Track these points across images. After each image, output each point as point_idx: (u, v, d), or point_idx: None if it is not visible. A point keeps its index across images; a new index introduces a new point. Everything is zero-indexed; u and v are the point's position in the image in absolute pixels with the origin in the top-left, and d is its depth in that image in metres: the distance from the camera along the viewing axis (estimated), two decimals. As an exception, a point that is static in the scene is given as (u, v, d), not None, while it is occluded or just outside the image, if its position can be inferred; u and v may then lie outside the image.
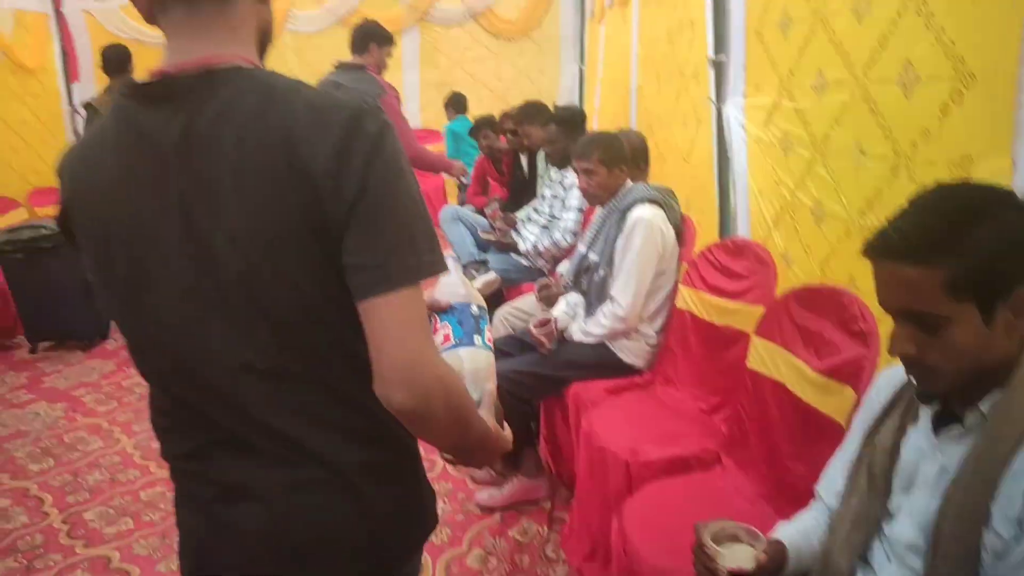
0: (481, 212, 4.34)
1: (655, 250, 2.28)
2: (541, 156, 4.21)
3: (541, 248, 3.42)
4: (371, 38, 3.46)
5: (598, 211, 2.56)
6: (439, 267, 0.86)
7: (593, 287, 2.36)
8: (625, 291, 2.26)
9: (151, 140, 0.84)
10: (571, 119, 3.52)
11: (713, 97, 2.95)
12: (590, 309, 2.38)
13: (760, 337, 1.91)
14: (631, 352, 2.37)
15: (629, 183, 2.48)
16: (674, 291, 2.37)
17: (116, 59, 4.12)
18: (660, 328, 2.39)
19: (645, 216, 2.28)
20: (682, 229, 2.45)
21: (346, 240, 0.81)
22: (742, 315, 2.04)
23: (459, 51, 7.27)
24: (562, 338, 2.37)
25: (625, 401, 2.27)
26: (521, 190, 4.70)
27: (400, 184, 0.83)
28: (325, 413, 0.90)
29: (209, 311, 0.86)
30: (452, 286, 1.08)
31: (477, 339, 1.04)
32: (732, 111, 2.78)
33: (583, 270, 2.43)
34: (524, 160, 4.53)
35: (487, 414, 0.98)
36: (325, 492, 0.91)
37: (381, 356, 0.81)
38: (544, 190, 3.66)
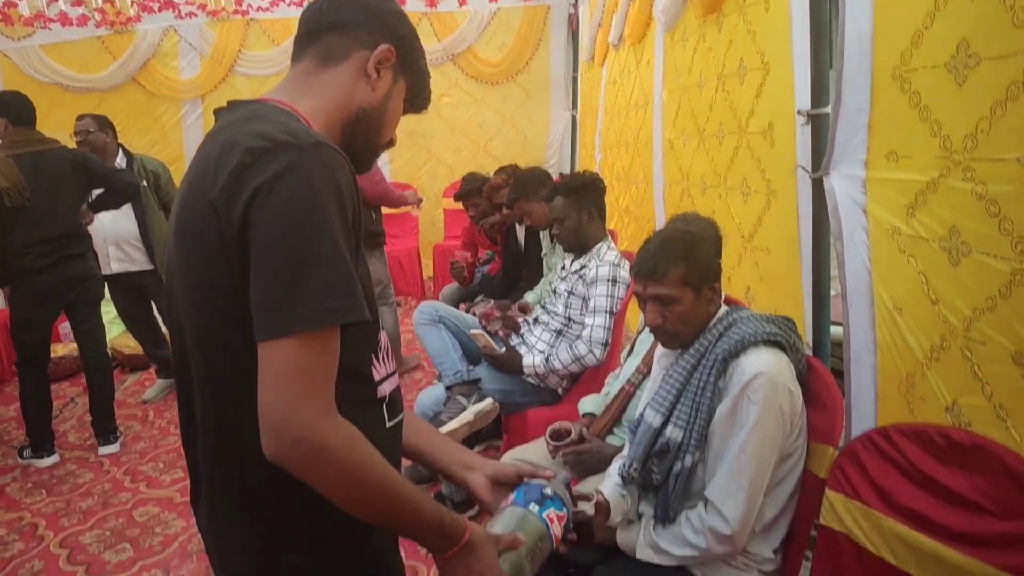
0: (468, 303, 3.45)
1: (780, 426, 1.37)
2: (545, 232, 3.33)
3: (557, 364, 2.49)
4: None
5: (666, 352, 1.65)
6: (331, 319, 0.81)
7: (675, 482, 1.43)
8: (733, 495, 1.35)
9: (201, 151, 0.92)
10: (585, 187, 2.65)
11: (805, 164, 2.10)
12: (666, 512, 1.45)
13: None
14: (734, 588, 1.45)
15: (724, 308, 1.59)
16: (803, 485, 1.46)
17: (22, 108, 3.23)
18: (780, 546, 1.47)
19: (765, 371, 1.39)
20: (807, 376, 1.55)
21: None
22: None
23: (435, 95, 6.27)
24: (586, 533, 1.36)
25: None
26: (513, 268, 3.82)
27: (290, 227, 0.80)
28: None
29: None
30: (556, 478, 1.17)
31: (532, 507, 1.08)
32: (843, 185, 1.94)
33: (655, 453, 1.49)
34: (520, 232, 3.65)
35: (500, 544, 0.99)
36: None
37: (259, 402, 0.80)
38: (556, 282, 2.74)
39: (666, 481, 1.46)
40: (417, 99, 1.13)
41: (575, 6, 6.06)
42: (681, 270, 1.50)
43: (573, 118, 6.36)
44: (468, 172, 4.34)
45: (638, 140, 3.96)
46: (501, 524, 1.05)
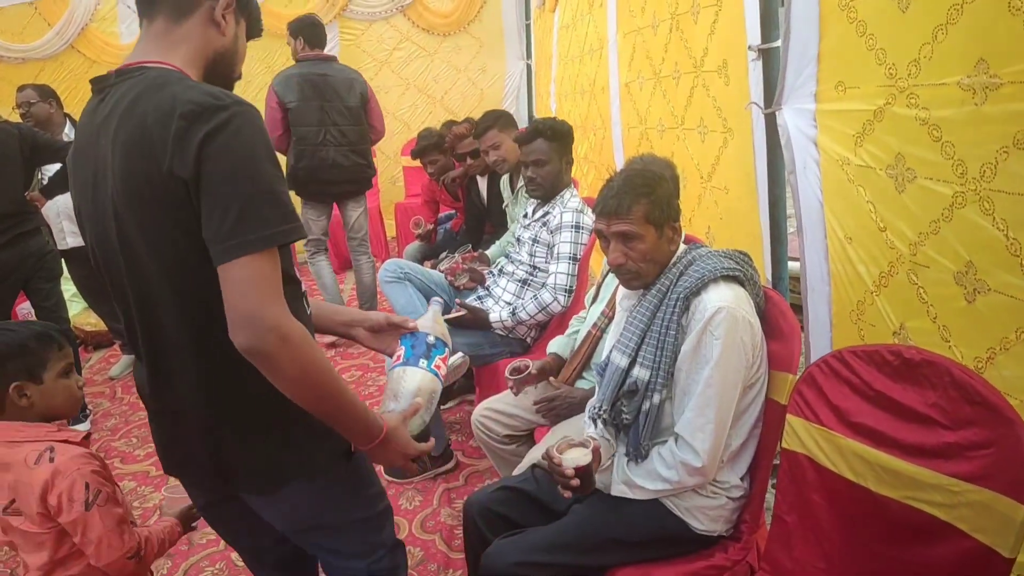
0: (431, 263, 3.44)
1: (742, 358, 1.41)
2: (504, 181, 3.30)
3: (524, 315, 2.52)
4: None
5: (628, 293, 1.67)
6: (279, 238, 1.01)
7: (645, 420, 1.46)
8: (702, 428, 1.39)
9: (91, 117, 1.12)
10: (567, 133, 2.62)
11: (758, 100, 2.12)
12: (637, 450, 1.49)
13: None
14: (705, 514, 1.50)
15: (682, 247, 1.61)
16: (765, 412, 1.51)
17: None
18: (746, 472, 1.53)
19: (725, 306, 1.42)
20: (765, 308, 1.58)
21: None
22: (956, 496, 1.14)
23: (385, 50, 6.28)
24: (586, 477, 1.45)
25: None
26: (477, 221, 3.81)
27: (232, 171, 0.98)
28: None
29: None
30: (424, 318, 1.37)
31: (422, 363, 1.29)
32: (795, 119, 1.96)
33: (623, 393, 1.52)
34: (483, 184, 3.62)
35: (407, 421, 1.23)
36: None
37: (228, 309, 0.99)
38: (519, 230, 2.74)
39: (636, 420, 1.50)
40: (253, 30, 1.27)
41: (525, -49, 5.94)
42: (644, 207, 1.51)
43: (528, 67, 6.28)
44: (423, 128, 4.27)
45: (594, 86, 3.94)
46: (398, 389, 1.26)
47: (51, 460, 1.37)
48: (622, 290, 1.70)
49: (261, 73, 5.90)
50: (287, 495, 1.21)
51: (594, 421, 1.63)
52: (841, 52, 1.73)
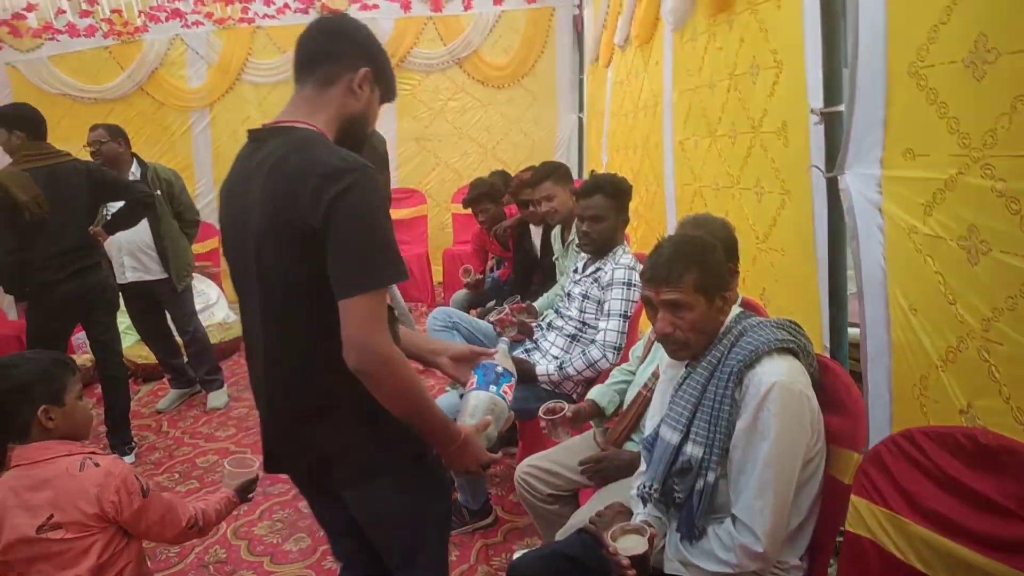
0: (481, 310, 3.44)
1: (801, 435, 1.34)
2: (555, 233, 3.30)
3: (571, 371, 2.48)
4: None
5: (673, 362, 1.61)
6: (391, 280, 1.25)
7: (699, 499, 1.39)
8: (762, 511, 1.32)
9: (245, 162, 1.38)
10: (627, 192, 2.62)
11: (819, 163, 2.08)
12: (691, 529, 1.42)
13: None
14: (763, 597, 1.42)
15: (732, 314, 1.56)
16: (826, 490, 1.43)
17: (38, 122, 3.25)
18: (805, 552, 1.45)
19: (780, 380, 1.36)
20: (826, 380, 1.52)
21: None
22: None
23: (440, 100, 6.43)
24: (642, 565, 1.39)
25: None
26: (525, 272, 3.81)
27: (357, 225, 1.22)
28: None
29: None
30: (498, 354, 1.62)
31: (492, 388, 1.51)
32: (858, 184, 1.92)
33: (675, 471, 1.46)
34: (536, 234, 3.63)
35: (479, 432, 1.45)
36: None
37: (344, 335, 1.22)
38: (569, 285, 2.72)
39: (689, 498, 1.44)
40: (387, 95, 1.49)
41: (580, 8, 6.05)
42: (695, 276, 1.47)
43: (580, 120, 6.35)
44: (476, 178, 4.31)
45: (647, 142, 3.94)
46: (472, 408, 1.49)
47: (96, 464, 1.49)
48: (666, 357, 1.65)
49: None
50: (372, 492, 1.43)
51: (643, 500, 1.57)
52: (910, 119, 1.69)
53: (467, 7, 5.94)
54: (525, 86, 6.40)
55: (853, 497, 1.37)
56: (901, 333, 1.84)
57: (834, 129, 2.02)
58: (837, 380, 1.51)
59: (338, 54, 1.37)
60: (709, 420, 1.42)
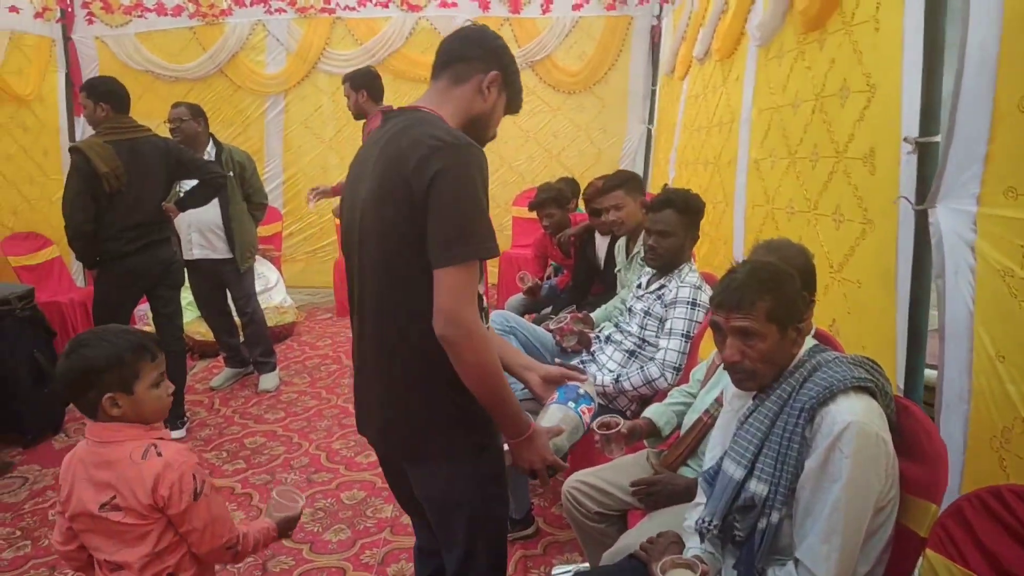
0: (537, 312, 3.40)
1: (875, 480, 1.27)
2: (620, 244, 3.24)
3: (627, 386, 2.43)
4: None
5: (739, 393, 1.55)
6: (483, 254, 1.32)
7: (760, 539, 1.33)
8: (828, 557, 1.23)
9: (375, 136, 1.48)
10: (700, 210, 2.57)
11: (909, 194, 1.98)
12: (749, 569, 1.35)
13: None
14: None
15: (806, 347, 1.49)
16: (898, 540, 1.35)
17: (124, 96, 3.36)
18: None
19: (856, 420, 1.28)
20: (904, 424, 1.44)
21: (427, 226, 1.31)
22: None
23: (512, 102, 6.40)
24: None
25: None
26: (584, 281, 3.76)
27: (456, 197, 1.29)
28: None
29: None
30: (586, 380, 1.68)
31: (571, 404, 1.56)
32: (950, 220, 1.82)
33: (737, 508, 1.40)
34: (601, 244, 3.58)
35: (550, 434, 1.48)
36: None
37: (436, 302, 1.29)
38: (631, 300, 2.66)
39: (750, 537, 1.37)
40: (512, 105, 1.61)
41: (659, 18, 5.97)
42: (768, 304, 1.40)
43: (649, 132, 6.26)
44: (543, 182, 4.28)
45: (719, 159, 3.86)
46: (548, 417, 1.53)
47: (159, 454, 1.44)
48: (732, 386, 1.59)
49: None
50: (426, 468, 1.48)
51: (701, 535, 1.51)
52: (1016, 156, 1.59)
53: (545, 11, 5.91)
54: (596, 93, 6.35)
55: (929, 551, 1.28)
56: (984, 380, 1.74)
57: (928, 160, 1.93)
58: (917, 425, 1.42)
59: (473, 56, 1.48)
60: (776, 457, 1.35)
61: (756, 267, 1.49)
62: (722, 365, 1.96)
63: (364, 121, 3.88)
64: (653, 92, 6.17)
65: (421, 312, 1.32)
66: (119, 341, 1.48)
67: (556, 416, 1.53)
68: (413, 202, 1.30)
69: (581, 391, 1.59)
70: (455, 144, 1.30)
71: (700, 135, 4.28)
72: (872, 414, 1.32)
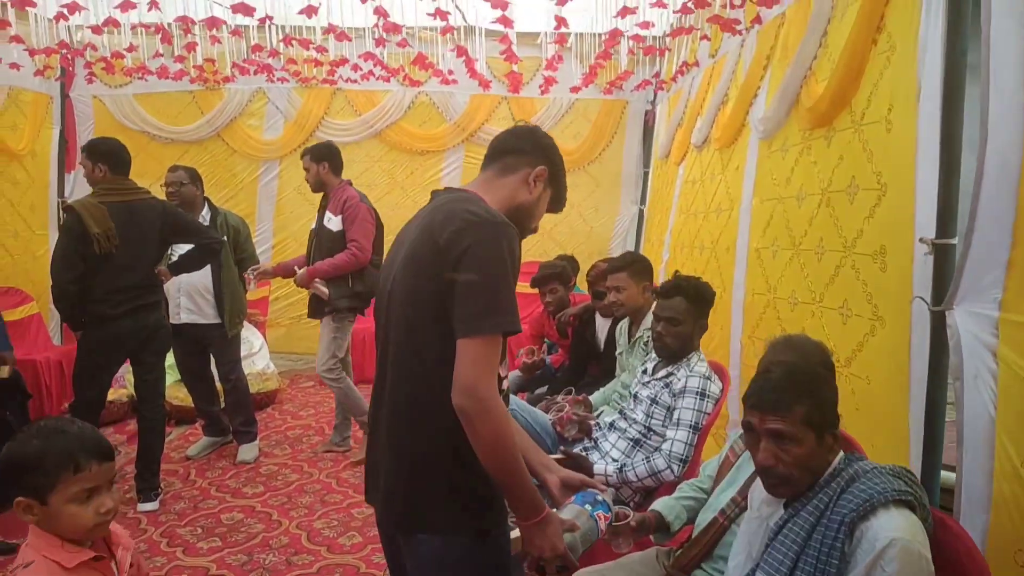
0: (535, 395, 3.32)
1: (920, 604, 1.21)
2: (622, 327, 3.21)
3: (631, 476, 2.34)
4: None
5: (768, 499, 1.48)
6: (507, 327, 1.31)
7: None
8: None
9: (421, 211, 1.53)
10: (709, 300, 2.56)
11: (924, 294, 1.98)
12: None
13: None
14: None
15: (840, 455, 1.43)
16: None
17: (124, 158, 3.32)
18: None
19: (899, 537, 1.21)
20: (943, 539, 1.38)
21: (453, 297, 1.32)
22: None
23: (504, 177, 6.47)
24: None
25: None
26: (580, 362, 3.70)
27: (485, 271, 1.30)
28: None
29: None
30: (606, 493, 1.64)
31: (588, 507, 1.54)
32: (969, 323, 1.81)
33: None
34: (602, 325, 3.54)
35: (564, 525, 1.43)
36: None
37: (456, 373, 1.28)
38: (636, 387, 2.60)
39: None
40: (556, 202, 1.63)
41: (653, 104, 6.12)
42: (806, 408, 1.36)
43: (641, 212, 6.33)
44: (545, 261, 4.27)
45: (716, 244, 3.88)
46: (565, 515, 1.49)
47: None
48: (761, 490, 1.52)
49: (384, 183, 6.26)
50: (420, 542, 1.40)
51: None
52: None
53: (544, 91, 6.04)
54: (589, 172, 6.43)
55: None
56: (1007, 488, 1.70)
57: (945, 261, 1.93)
58: (957, 541, 1.36)
59: (523, 150, 1.54)
60: (813, 572, 1.28)
61: (793, 369, 1.46)
62: (737, 463, 1.90)
63: (322, 194, 4.03)
64: (646, 174, 6.27)
65: (438, 381, 1.31)
66: (50, 443, 1.34)
67: (573, 513, 1.51)
68: (439, 270, 1.32)
69: (599, 497, 1.58)
70: (490, 220, 1.34)
71: (697, 219, 4.32)
72: (915, 531, 1.27)
